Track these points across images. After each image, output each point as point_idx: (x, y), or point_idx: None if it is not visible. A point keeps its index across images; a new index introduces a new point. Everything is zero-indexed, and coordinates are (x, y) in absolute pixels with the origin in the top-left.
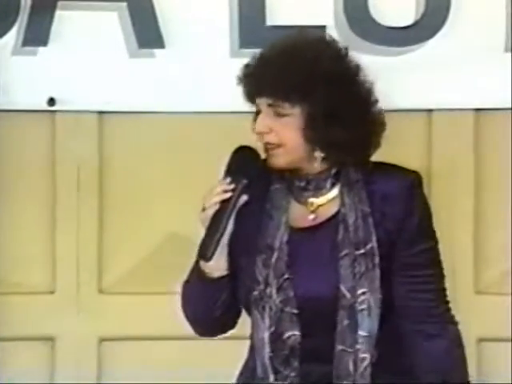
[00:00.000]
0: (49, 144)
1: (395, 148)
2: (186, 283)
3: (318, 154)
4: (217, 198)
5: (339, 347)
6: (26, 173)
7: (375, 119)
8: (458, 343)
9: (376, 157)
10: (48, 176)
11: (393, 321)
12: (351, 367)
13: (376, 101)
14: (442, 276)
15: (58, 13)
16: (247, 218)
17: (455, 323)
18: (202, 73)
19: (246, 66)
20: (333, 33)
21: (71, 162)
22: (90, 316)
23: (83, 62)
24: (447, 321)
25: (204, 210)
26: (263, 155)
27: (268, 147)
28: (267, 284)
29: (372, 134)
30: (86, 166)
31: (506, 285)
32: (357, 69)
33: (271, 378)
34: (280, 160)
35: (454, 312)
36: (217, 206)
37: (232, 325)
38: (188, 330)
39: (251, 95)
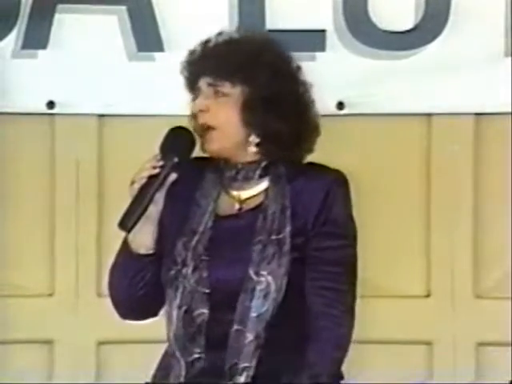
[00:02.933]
0: (48, 147)
1: (395, 152)
2: (113, 264)
3: (253, 139)
4: (145, 173)
5: (235, 327)
6: (26, 176)
7: (310, 120)
8: (337, 347)
9: (376, 160)
10: (47, 179)
11: (299, 308)
12: (241, 346)
13: (313, 103)
14: (349, 277)
15: (58, 16)
16: (178, 205)
17: (346, 326)
18: None
19: (190, 52)
20: (332, 37)
21: (70, 165)
22: (89, 319)
23: (83, 65)
24: (338, 323)
25: (133, 183)
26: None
27: (203, 130)
28: (184, 265)
29: (306, 134)
30: (85, 169)
31: (506, 289)
32: (298, 68)
33: (177, 353)
34: (215, 145)
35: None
36: (143, 181)
37: (154, 311)
38: None
39: (193, 78)
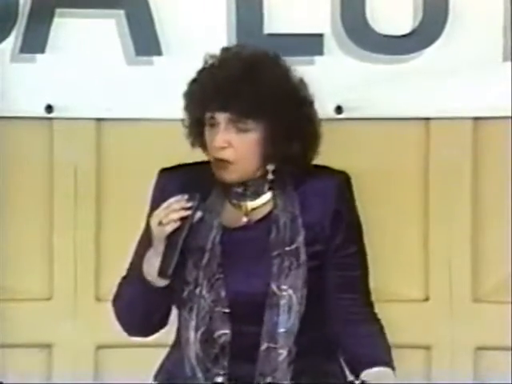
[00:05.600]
0: (46, 151)
1: (393, 156)
2: (125, 284)
3: (270, 167)
4: (176, 216)
5: (265, 345)
6: (24, 180)
7: (317, 131)
8: (380, 335)
9: (374, 164)
10: (45, 183)
11: (321, 314)
12: (274, 364)
13: (316, 113)
14: (367, 276)
15: (56, 20)
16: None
17: (377, 320)
18: None
19: (195, 79)
20: (330, 41)
21: (69, 168)
22: (87, 323)
23: (81, 69)
24: (369, 320)
25: (160, 224)
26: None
27: (221, 163)
28: (197, 284)
29: (314, 145)
30: (83, 173)
31: (505, 293)
32: (303, 82)
33: (199, 375)
34: (233, 176)
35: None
36: (177, 224)
37: (164, 325)
38: None
39: (205, 107)
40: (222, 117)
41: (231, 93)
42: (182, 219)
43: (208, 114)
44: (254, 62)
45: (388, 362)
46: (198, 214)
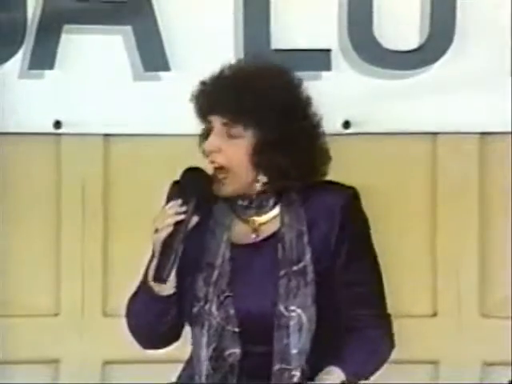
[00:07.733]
0: (54, 166)
1: (401, 170)
2: (134, 297)
3: (261, 178)
4: (170, 220)
5: (278, 366)
6: (32, 195)
7: (321, 150)
8: (379, 352)
9: (381, 179)
10: (53, 198)
11: (335, 332)
12: None
13: (323, 133)
14: (379, 291)
15: (64, 36)
16: (192, 237)
17: (388, 336)
18: None
19: (203, 83)
20: (338, 56)
21: (76, 184)
22: (95, 339)
23: (89, 85)
24: (381, 336)
25: (156, 231)
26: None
27: (217, 173)
28: (207, 301)
29: (317, 164)
30: (91, 189)
31: None
32: (308, 100)
33: None
34: (228, 189)
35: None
36: (170, 229)
37: (176, 338)
38: None
39: (205, 111)
40: (217, 121)
41: (223, 96)
42: (178, 224)
43: (208, 119)
44: (257, 72)
45: (346, 369)
46: (195, 219)
